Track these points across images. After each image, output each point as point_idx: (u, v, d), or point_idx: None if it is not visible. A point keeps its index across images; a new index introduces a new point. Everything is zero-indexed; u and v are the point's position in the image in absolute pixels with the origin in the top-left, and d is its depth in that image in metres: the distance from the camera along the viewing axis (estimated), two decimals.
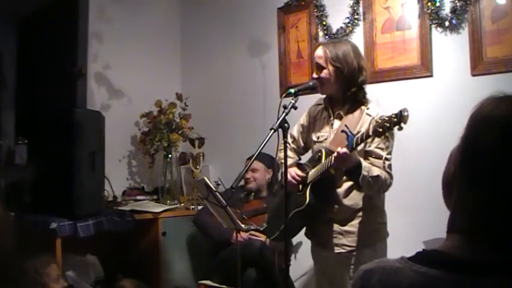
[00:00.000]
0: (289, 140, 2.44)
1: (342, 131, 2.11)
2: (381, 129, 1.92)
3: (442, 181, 0.88)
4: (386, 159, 2.19)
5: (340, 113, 2.33)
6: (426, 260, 0.79)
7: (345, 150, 2.03)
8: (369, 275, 0.82)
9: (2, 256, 0.48)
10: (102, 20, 3.82)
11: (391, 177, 2.20)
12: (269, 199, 3.21)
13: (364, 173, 2.09)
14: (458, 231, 0.81)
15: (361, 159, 2.13)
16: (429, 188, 2.49)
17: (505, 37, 2.65)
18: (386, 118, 1.90)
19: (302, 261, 3.24)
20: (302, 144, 2.53)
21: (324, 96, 2.42)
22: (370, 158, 2.21)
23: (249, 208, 3.29)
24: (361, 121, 2.24)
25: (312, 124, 2.46)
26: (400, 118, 1.86)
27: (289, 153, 2.43)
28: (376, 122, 1.95)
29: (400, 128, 1.88)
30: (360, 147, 2.16)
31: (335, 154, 2.07)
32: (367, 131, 1.99)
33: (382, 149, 2.20)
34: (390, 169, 2.21)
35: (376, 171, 2.13)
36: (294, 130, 2.52)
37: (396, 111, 1.88)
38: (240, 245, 2.89)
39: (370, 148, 2.21)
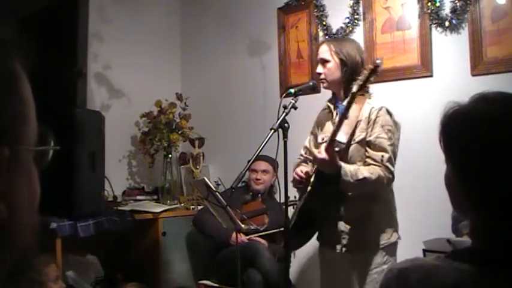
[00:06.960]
0: (302, 151, 2.46)
1: (328, 100, 2.31)
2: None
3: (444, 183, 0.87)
4: (385, 151, 2.14)
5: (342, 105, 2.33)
6: (466, 257, 0.76)
7: (323, 155, 2.04)
8: (406, 274, 0.78)
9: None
10: (102, 20, 3.82)
11: (390, 172, 2.14)
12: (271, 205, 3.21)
13: (344, 178, 2.05)
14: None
15: (343, 164, 2.08)
16: (430, 188, 2.50)
17: (505, 37, 2.65)
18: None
19: (302, 262, 3.24)
20: None
21: (328, 99, 2.42)
22: (369, 150, 2.18)
23: (249, 209, 3.29)
24: (362, 110, 2.21)
25: (318, 128, 2.45)
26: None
27: (302, 165, 2.43)
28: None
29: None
30: (361, 137, 2.17)
31: (313, 156, 2.11)
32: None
33: (383, 139, 2.15)
34: (390, 163, 2.14)
35: (363, 173, 2.08)
36: (306, 141, 2.51)
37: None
38: (240, 247, 2.89)
39: (371, 138, 2.17)
